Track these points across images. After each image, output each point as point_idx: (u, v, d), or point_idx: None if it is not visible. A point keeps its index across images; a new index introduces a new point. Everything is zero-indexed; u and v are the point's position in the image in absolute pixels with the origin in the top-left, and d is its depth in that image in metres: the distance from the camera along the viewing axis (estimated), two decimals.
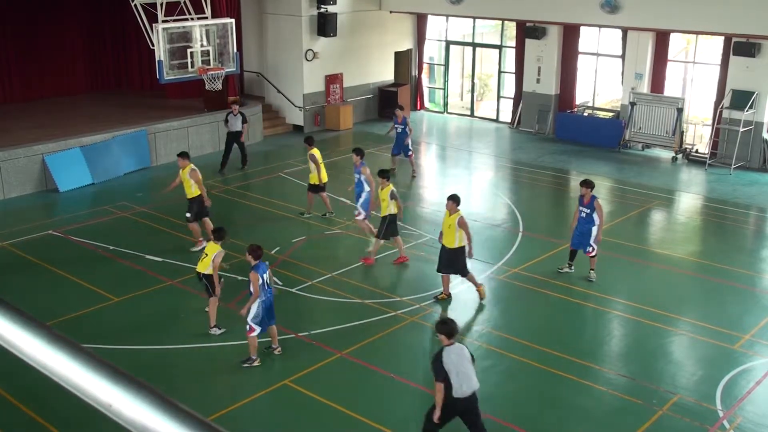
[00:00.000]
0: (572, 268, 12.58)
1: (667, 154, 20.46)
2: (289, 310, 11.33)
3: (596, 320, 11.47)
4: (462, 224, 11.22)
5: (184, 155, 13.50)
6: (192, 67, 16.56)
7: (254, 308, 9.48)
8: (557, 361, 9.97)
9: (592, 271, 12.39)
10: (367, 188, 13.58)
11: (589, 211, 12.10)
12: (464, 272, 11.54)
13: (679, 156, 20.15)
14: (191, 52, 16.46)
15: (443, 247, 11.43)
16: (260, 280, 9.39)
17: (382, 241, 12.97)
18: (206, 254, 10.46)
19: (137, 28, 16.63)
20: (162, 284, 12.30)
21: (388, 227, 12.78)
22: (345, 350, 10.22)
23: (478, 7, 22.15)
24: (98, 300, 11.68)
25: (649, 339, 10.73)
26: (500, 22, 23.87)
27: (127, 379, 1.15)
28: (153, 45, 15.96)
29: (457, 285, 12.35)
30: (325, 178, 14.95)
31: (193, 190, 13.24)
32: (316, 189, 15.01)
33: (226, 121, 18.22)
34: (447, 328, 7.74)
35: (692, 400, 9.16)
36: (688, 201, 17.66)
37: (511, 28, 23.65)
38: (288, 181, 17.86)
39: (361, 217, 13.77)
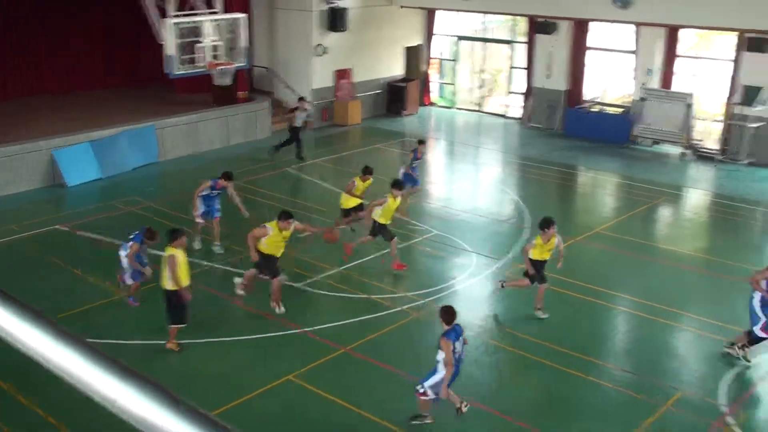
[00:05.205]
0: None
1: (676, 150, 20.38)
2: (294, 306, 11.38)
3: (601, 316, 11.46)
4: (169, 263, 9.54)
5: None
6: (202, 61, 16.57)
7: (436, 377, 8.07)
8: (561, 357, 9.97)
9: None
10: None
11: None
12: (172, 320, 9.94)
13: (689, 152, 20.07)
14: (201, 47, 16.46)
15: None
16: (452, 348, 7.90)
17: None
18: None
19: (147, 23, 16.63)
20: None
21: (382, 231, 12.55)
22: (350, 345, 10.24)
23: (489, 2, 22.09)
24: (104, 295, 11.71)
25: (654, 335, 10.72)
26: (511, 17, 23.81)
27: (133, 375, 1.16)
28: (161, 41, 15.95)
29: (465, 279, 12.37)
30: None
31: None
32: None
33: (294, 113, 18.54)
34: None
35: (696, 395, 9.16)
36: (697, 197, 17.59)
37: (522, 24, 23.59)
38: (294, 177, 17.88)
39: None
